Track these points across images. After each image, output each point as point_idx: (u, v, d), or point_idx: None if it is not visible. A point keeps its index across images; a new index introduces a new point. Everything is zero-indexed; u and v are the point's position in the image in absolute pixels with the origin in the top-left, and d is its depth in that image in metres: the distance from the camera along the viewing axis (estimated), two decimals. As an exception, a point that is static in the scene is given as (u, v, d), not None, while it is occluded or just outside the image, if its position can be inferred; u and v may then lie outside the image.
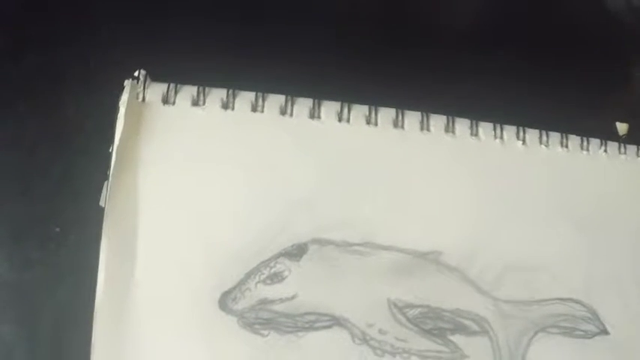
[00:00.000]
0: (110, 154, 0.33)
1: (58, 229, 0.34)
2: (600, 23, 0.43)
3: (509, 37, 0.41)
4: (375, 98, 0.37)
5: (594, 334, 0.37)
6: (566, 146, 0.39)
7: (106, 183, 0.33)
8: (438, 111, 0.37)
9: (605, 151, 0.39)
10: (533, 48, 0.41)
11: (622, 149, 0.40)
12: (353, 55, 0.38)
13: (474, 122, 0.37)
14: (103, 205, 0.33)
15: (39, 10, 0.36)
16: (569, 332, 0.37)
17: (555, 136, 0.39)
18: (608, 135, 0.40)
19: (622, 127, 0.41)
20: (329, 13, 0.39)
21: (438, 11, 0.42)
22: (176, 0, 0.37)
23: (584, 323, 0.37)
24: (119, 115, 0.34)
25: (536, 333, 0.36)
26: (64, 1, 0.37)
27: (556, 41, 0.42)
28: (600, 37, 0.43)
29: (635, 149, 0.40)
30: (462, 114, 0.37)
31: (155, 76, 0.35)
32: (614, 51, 0.43)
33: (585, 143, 0.39)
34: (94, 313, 0.32)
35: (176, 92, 0.35)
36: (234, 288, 0.33)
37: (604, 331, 0.37)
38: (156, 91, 0.35)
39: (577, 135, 0.39)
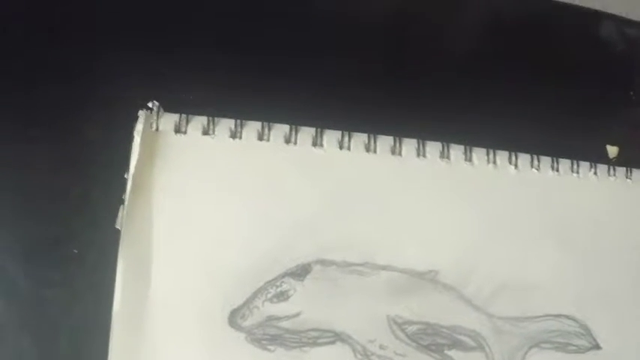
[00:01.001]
0: (125, 180, 0.35)
1: (76, 251, 0.35)
2: (592, 49, 0.45)
3: (502, 63, 0.43)
4: (374, 126, 0.38)
5: (587, 349, 0.38)
6: (557, 170, 0.40)
7: (121, 207, 0.35)
8: (433, 138, 0.39)
9: (595, 173, 0.41)
10: (525, 74, 0.42)
11: (611, 171, 0.41)
12: (353, 85, 0.39)
13: (467, 148, 0.39)
14: (120, 228, 0.35)
15: (55, 40, 0.38)
16: (563, 347, 0.38)
17: (546, 160, 0.40)
18: (598, 158, 0.41)
19: (612, 150, 0.43)
20: (330, 43, 0.40)
21: (434, 39, 0.43)
22: (186, 34, 0.39)
23: (576, 338, 0.38)
24: (134, 144, 0.35)
25: (530, 348, 0.38)
26: (79, 32, 0.38)
27: (548, 67, 0.43)
28: (592, 62, 0.44)
29: (625, 171, 0.41)
30: (456, 140, 0.39)
31: (167, 107, 0.37)
32: (604, 76, 0.44)
33: (575, 166, 0.41)
34: (111, 331, 0.33)
35: (187, 122, 0.37)
36: (242, 306, 0.35)
37: (596, 346, 0.38)
38: (168, 120, 0.36)
39: (568, 158, 0.40)
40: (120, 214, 0.35)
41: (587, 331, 0.39)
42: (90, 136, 0.37)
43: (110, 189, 0.35)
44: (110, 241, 0.35)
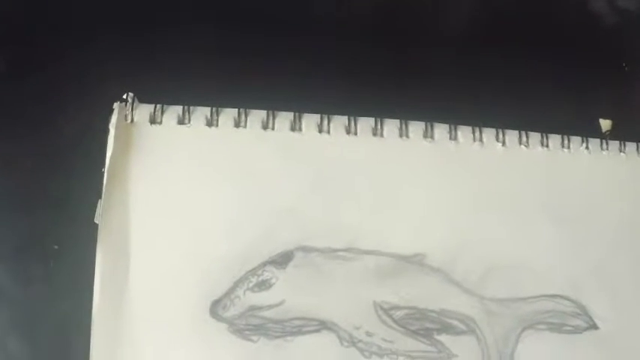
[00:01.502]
0: (103, 173, 0.35)
1: (56, 246, 0.35)
2: (582, 22, 0.44)
3: (488, 38, 0.42)
4: (353, 108, 0.37)
5: (583, 329, 0.37)
6: (547, 145, 0.39)
7: (99, 201, 0.35)
8: (416, 117, 0.38)
9: (587, 148, 0.40)
10: (513, 48, 0.41)
11: (604, 145, 0.40)
12: (332, 67, 0.39)
13: (452, 127, 0.38)
14: (98, 222, 0.34)
15: (29, 33, 0.38)
16: (558, 328, 0.37)
17: (535, 136, 0.39)
18: (591, 132, 0.40)
19: (605, 124, 0.42)
20: (307, 24, 0.40)
21: (418, 15, 0.42)
22: (160, 23, 0.38)
23: (572, 319, 0.37)
24: (109, 137, 0.35)
25: (524, 329, 0.37)
26: (52, 25, 0.38)
27: (537, 41, 0.42)
28: (583, 34, 0.43)
29: (618, 145, 0.40)
30: (440, 119, 0.38)
31: (143, 97, 0.36)
32: (596, 48, 0.43)
33: (566, 141, 0.39)
34: (92, 324, 0.33)
35: (162, 112, 0.36)
36: (223, 296, 0.34)
37: (593, 326, 0.37)
38: (143, 112, 0.36)
39: (560, 134, 0.39)
40: (98, 208, 0.35)
41: (583, 311, 0.38)
42: (66, 130, 0.37)
43: (88, 183, 0.35)
44: (90, 235, 0.34)
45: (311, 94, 0.38)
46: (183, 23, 0.39)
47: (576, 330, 0.37)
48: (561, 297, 0.38)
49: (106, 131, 0.35)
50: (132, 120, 0.36)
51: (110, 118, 0.35)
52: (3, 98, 0.37)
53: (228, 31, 0.39)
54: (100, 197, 0.35)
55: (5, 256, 0.35)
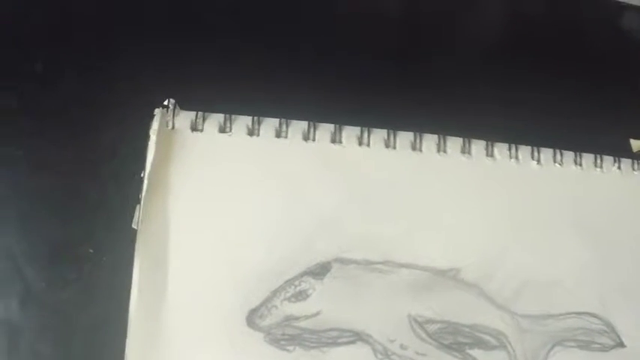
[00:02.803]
0: (142, 179, 0.35)
1: (92, 251, 0.35)
2: (614, 40, 0.44)
3: (524, 55, 0.42)
4: (393, 122, 0.38)
5: (611, 347, 0.38)
6: (580, 164, 0.40)
7: (138, 206, 0.35)
8: (454, 133, 0.38)
9: (619, 167, 0.40)
10: (546, 67, 0.42)
11: (635, 165, 0.41)
12: (372, 81, 0.39)
13: (489, 143, 0.39)
14: (136, 228, 0.34)
15: (71, 39, 0.38)
16: (586, 345, 0.37)
17: (569, 155, 0.40)
18: (622, 152, 0.41)
19: (636, 144, 0.42)
20: (346, 39, 0.40)
21: (452, 33, 0.42)
22: (202, 31, 0.39)
23: (600, 336, 0.38)
24: (150, 143, 0.35)
25: (553, 346, 0.37)
26: (94, 31, 0.38)
27: (571, 60, 0.42)
28: (614, 54, 0.44)
29: (649, 165, 0.41)
30: (477, 135, 0.38)
31: (183, 104, 0.36)
32: (628, 68, 0.43)
33: (599, 161, 0.40)
34: (128, 331, 0.33)
35: (204, 120, 0.36)
36: (260, 305, 0.34)
37: (620, 344, 0.38)
38: (184, 118, 0.36)
39: (592, 153, 0.40)
40: (136, 213, 0.35)
41: (610, 329, 0.38)
42: (106, 135, 0.36)
43: (126, 188, 0.35)
44: (126, 240, 0.34)
45: (351, 107, 0.38)
46: (227, 32, 0.39)
47: (604, 348, 0.38)
48: (590, 314, 0.38)
49: (146, 137, 0.35)
50: (173, 127, 0.36)
51: (151, 124, 0.36)
52: (42, 101, 0.37)
53: (272, 42, 0.39)
54: (138, 203, 0.35)
55: (41, 260, 0.35)
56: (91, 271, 0.35)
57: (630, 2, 0.44)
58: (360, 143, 0.37)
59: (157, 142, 0.35)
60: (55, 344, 0.34)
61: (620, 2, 0.44)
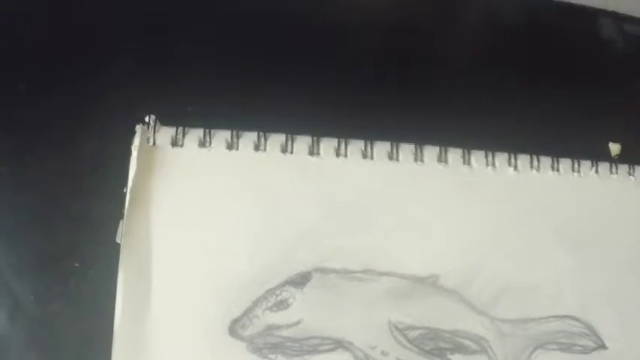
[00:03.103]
0: (124, 194, 0.35)
1: (77, 265, 0.35)
2: (592, 46, 0.44)
3: (500, 64, 0.42)
4: (370, 133, 0.38)
5: (592, 349, 0.38)
6: (557, 169, 0.40)
7: (121, 221, 0.35)
8: (431, 142, 0.39)
9: (597, 172, 0.41)
10: (523, 74, 0.42)
11: (613, 169, 0.41)
12: (348, 92, 0.39)
13: (465, 151, 0.39)
14: (119, 242, 0.35)
15: (52, 54, 0.38)
16: (568, 348, 0.38)
17: (546, 160, 0.40)
18: (600, 156, 0.41)
19: (615, 148, 0.42)
20: (325, 52, 0.40)
21: (430, 42, 0.42)
22: (182, 47, 0.39)
23: (581, 339, 0.38)
24: (132, 158, 0.36)
25: (534, 349, 0.38)
26: (76, 46, 0.38)
27: (547, 66, 0.43)
28: (591, 59, 0.44)
29: (627, 168, 0.41)
30: (454, 143, 0.39)
31: (164, 119, 0.37)
32: (604, 73, 0.44)
33: (576, 165, 0.40)
34: (113, 343, 0.34)
35: (184, 135, 0.37)
36: (242, 315, 0.35)
37: (602, 346, 0.38)
38: (165, 134, 0.37)
39: (570, 158, 0.40)
40: (120, 227, 0.35)
41: (592, 331, 0.38)
42: (87, 149, 0.37)
43: (110, 203, 0.36)
44: (111, 254, 0.35)
45: (328, 119, 0.38)
46: (206, 46, 0.39)
47: (585, 350, 0.38)
48: (571, 317, 0.38)
49: (128, 152, 0.36)
50: (154, 142, 0.37)
51: (133, 140, 0.36)
52: (24, 117, 0.37)
53: (250, 55, 0.39)
54: (122, 217, 0.35)
55: (27, 274, 0.35)
56: (76, 285, 0.35)
57: (607, 9, 0.44)
58: (338, 154, 0.38)
59: (139, 158, 0.36)
60: (41, 357, 0.34)
61: (596, 8, 0.44)
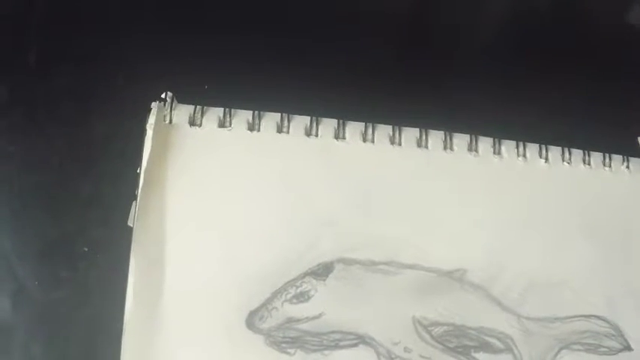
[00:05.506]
0: (138, 175, 0.34)
1: (86, 249, 0.34)
2: (622, 39, 0.43)
3: (532, 52, 0.41)
4: (398, 118, 0.37)
5: (618, 351, 0.37)
6: (589, 163, 0.39)
7: (134, 203, 0.34)
8: (461, 130, 0.37)
9: (628, 167, 0.39)
10: (555, 65, 0.41)
11: (645, 165, 0.40)
12: (376, 75, 0.38)
13: (496, 140, 0.38)
14: (132, 225, 0.33)
15: (65, 30, 0.37)
16: (593, 349, 0.37)
17: (577, 154, 0.39)
18: (631, 151, 0.40)
19: (645, 143, 0.41)
20: (353, 33, 0.39)
21: (457, 26, 0.41)
22: (200, 23, 0.38)
23: (607, 340, 0.37)
24: (146, 138, 0.34)
25: (560, 350, 0.36)
26: (90, 23, 0.37)
27: (579, 58, 0.42)
28: (624, 51, 0.43)
29: (658, 165, 0.40)
30: (484, 132, 0.38)
31: (181, 97, 0.35)
32: (637, 65, 0.43)
33: (607, 160, 0.39)
34: (123, 331, 0.32)
35: (202, 114, 0.35)
36: (261, 307, 0.33)
37: (627, 348, 0.37)
38: (182, 113, 0.35)
39: (600, 151, 0.39)
40: (132, 210, 0.34)
41: (618, 332, 0.37)
42: (101, 129, 0.36)
43: (122, 185, 0.34)
44: (122, 238, 0.33)
45: (355, 102, 0.37)
46: (227, 24, 0.38)
47: (611, 351, 0.37)
48: (597, 317, 0.37)
49: (142, 132, 0.34)
50: (170, 121, 0.35)
51: (148, 118, 0.35)
52: (34, 94, 0.36)
53: (273, 36, 0.38)
54: (135, 199, 0.34)
55: (34, 258, 0.34)
56: (85, 270, 0.34)
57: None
58: (365, 139, 0.36)
59: (154, 137, 0.34)
60: (48, 344, 0.33)
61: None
